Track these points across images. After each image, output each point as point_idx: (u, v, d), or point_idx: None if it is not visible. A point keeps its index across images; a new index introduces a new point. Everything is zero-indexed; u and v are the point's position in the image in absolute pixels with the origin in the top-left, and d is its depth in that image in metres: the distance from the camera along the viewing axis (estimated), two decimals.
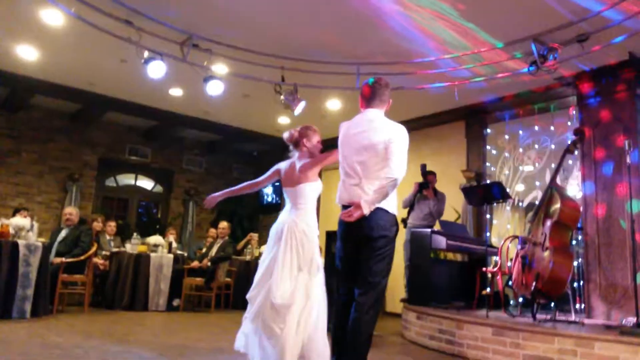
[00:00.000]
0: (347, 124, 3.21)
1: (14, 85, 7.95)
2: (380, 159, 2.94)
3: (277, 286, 3.14)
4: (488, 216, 6.91)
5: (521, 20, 4.93)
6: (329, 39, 5.64)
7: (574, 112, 6.23)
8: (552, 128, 6.78)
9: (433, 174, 6.53)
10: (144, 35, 5.38)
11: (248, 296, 3.38)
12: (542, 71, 5.20)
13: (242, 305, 7.79)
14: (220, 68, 6.22)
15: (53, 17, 5.36)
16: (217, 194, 3.70)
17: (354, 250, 3.06)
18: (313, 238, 3.28)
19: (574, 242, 5.52)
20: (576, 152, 5.41)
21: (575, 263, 5.33)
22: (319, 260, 3.24)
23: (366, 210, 2.83)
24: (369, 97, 3.15)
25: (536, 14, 4.79)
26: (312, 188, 3.38)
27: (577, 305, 5.49)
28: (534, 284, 4.52)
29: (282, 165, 3.55)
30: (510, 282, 5.10)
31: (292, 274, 3.18)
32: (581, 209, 5.31)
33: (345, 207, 3.04)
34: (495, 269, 5.62)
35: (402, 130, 3.01)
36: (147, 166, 10.74)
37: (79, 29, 5.49)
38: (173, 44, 5.66)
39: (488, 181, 7.05)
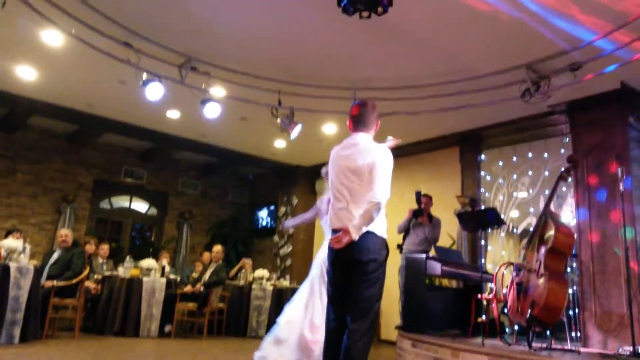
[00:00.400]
0: (337, 147, 3.23)
1: (12, 106, 7.97)
2: (366, 183, 2.94)
3: (312, 320, 3.20)
4: (482, 242, 6.90)
5: (515, 48, 5.01)
6: (325, 63, 5.71)
7: (567, 139, 6.28)
8: (545, 155, 6.83)
9: (428, 197, 6.52)
10: (143, 57, 5.44)
11: (281, 335, 3.41)
12: (536, 98, 5.27)
13: (235, 331, 7.77)
14: (217, 91, 6.27)
15: (53, 38, 5.38)
16: (290, 221, 4.39)
17: (344, 275, 3.02)
18: None
19: (568, 269, 5.50)
20: (570, 179, 5.44)
21: (570, 290, 5.30)
22: None
23: (355, 236, 2.82)
24: (355, 120, 3.17)
25: (530, 43, 4.88)
26: None
27: (573, 334, 5.44)
28: (529, 311, 4.49)
29: (320, 200, 3.87)
30: (505, 310, 5.06)
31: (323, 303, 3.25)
32: (575, 235, 5.32)
33: (335, 231, 3.02)
34: (491, 296, 5.59)
35: (386, 153, 3.02)
36: (142, 188, 10.71)
37: (78, 50, 5.53)
38: (171, 66, 5.72)
39: (483, 207, 7.06)
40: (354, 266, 2.95)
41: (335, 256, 3.04)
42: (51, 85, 6.96)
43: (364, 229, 2.86)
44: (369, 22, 4.07)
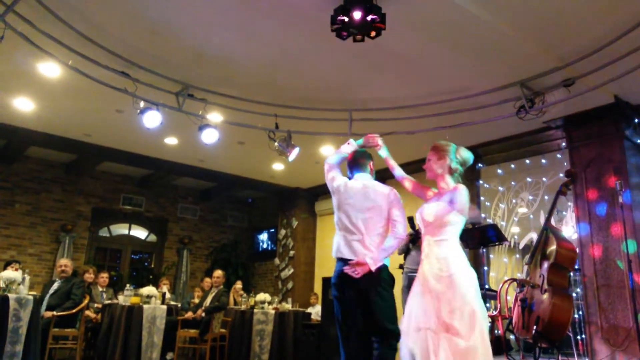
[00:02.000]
0: (346, 184, 3.36)
1: (10, 137, 7.99)
2: (382, 217, 3.21)
3: None
4: (484, 259, 6.87)
5: (508, 66, 5.06)
6: (321, 86, 5.76)
7: (565, 153, 6.30)
8: (543, 170, 6.85)
9: None
10: (140, 86, 5.46)
11: None
12: (531, 115, 5.31)
13: (237, 357, 7.64)
14: (215, 116, 6.29)
15: (50, 70, 5.41)
16: None
17: (354, 303, 3.15)
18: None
19: (576, 292, 5.47)
20: (569, 193, 5.45)
21: (575, 306, 5.26)
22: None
23: (373, 267, 3.01)
24: (356, 167, 3.46)
25: (524, 60, 4.94)
26: None
27: (580, 349, 5.38)
28: (534, 327, 4.45)
29: None
30: (511, 326, 5.02)
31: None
32: (577, 250, 5.30)
33: (344, 260, 3.13)
34: (495, 313, 5.54)
35: (396, 193, 3.35)
36: (141, 215, 10.68)
37: (75, 81, 5.56)
38: (169, 94, 5.75)
39: (484, 222, 7.04)
40: (365, 292, 3.10)
41: (346, 283, 3.15)
42: (48, 116, 6.99)
43: (380, 263, 3.07)
44: (363, 45, 4.13)
